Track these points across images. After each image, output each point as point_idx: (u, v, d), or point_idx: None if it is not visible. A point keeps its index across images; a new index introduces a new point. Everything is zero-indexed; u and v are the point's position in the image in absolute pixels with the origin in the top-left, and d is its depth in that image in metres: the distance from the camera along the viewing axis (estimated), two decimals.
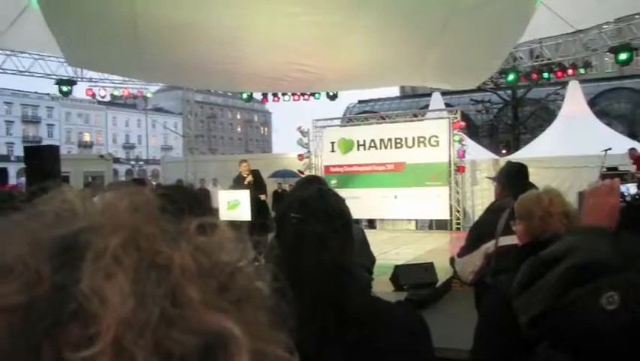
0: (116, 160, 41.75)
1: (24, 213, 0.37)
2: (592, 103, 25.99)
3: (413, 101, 36.04)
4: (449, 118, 14.38)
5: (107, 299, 0.32)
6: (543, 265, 1.35)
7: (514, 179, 3.20)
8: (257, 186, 10.00)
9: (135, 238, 0.34)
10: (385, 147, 14.90)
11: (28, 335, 0.31)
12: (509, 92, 27.51)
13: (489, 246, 2.83)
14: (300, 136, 16.00)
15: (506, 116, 31.00)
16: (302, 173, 15.62)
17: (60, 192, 0.39)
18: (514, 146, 25.81)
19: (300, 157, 16.11)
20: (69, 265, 0.33)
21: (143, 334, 0.31)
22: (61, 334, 0.31)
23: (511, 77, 14.15)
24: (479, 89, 24.64)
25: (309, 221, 1.17)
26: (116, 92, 16.09)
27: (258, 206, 9.53)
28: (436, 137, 14.27)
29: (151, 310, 0.32)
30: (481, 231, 3.00)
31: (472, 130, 31.11)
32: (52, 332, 0.31)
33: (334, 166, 15.50)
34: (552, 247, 1.40)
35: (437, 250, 9.91)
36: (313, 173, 15.10)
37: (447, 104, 19.99)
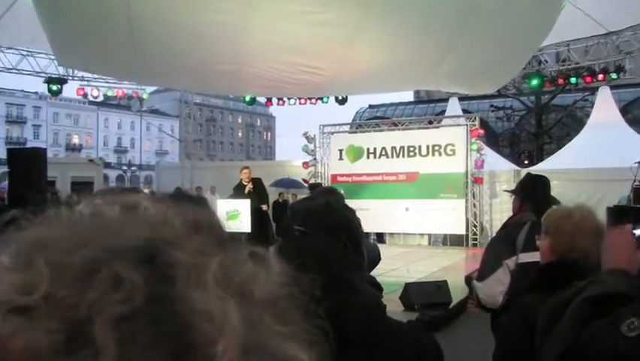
0: (107, 165, 41.94)
1: (86, 211, 0.39)
2: (624, 110, 25.74)
3: (428, 107, 36.22)
4: (467, 125, 14.51)
5: (228, 322, 0.33)
6: (561, 305, 1.37)
7: (534, 192, 3.20)
8: (258, 195, 10.04)
9: (224, 263, 0.37)
10: (397, 156, 15.08)
11: (135, 349, 0.31)
12: (533, 98, 27.40)
13: (509, 262, 2.82)
14: (305, 142, 16.14)
15: (529, 124, 30.89)
16: (307, 182, 15.72)
17: (117, 193, 0.41)
18: (538, 156, 25.88)
19: (306, 165, 16.21)
20: (160, 277, 0.34)
21: (249, 359, 0.33)
22: (168, 352, 0.32)
23: (535, 81, 14.14)
24: (500, 95, 24.77)
25: (313, 234, 1.19)
26: (109, 93, 16.22)
27: (259, 217, 9.55)
28: (453, 145, 14.39)
29: (257, 335, 0.34)
30: (499, 248, 2.99)
31: (492, 139, 31.02)
32: (157, 348, 0.32)
33: (342, 175, 15.68)
34: (566, 292, 1.42)
35: (452, 268, 9.95)
36: (319, 182, 15.34)
37: (464, 111, 20.12)
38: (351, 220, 1.31)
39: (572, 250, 1.97)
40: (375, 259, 2.70)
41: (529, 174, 3.49)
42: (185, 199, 1.31)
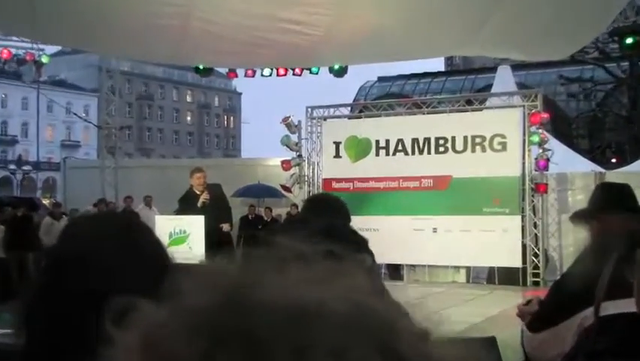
0: None
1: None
2: None
3: (466, 80, 36.61)
4: (524, 107, 14.62)
5: None
6: None
7: (617, 206, 3.28)
8: (217, 209, 10.20)
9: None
10: (421, 152, 15.16)
11: None
12: (625, 64, 27.43)
13: (586, 315, 2.87)
14: (286, 132, 16.25)
15: (618, 103, 30.95)
16: (288, 190, 16.00)
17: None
18: (632, 152, 25.47)
19: (286, 165, 16.29)
20: None
21: None
22: None
23: (629, 40, 14.31)
24: (574, 61, 24.93)
25: None
26: None
27: (217, 241, 9.69)
28: (502, 136, 14.50)
29: None
30: (571, 290, 3.03)
31: (562, 126, 31.11)
32: None
33: (339, 180, 15.80)
34: None
35: (502, 318, 10.17)
36: (306, 189, 15.70)
37: (520, 85, 20.22)
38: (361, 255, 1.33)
39: None
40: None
41: (604, 185, 3.55)
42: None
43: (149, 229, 1.33)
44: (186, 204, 10.24)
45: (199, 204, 10.00)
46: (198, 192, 10.15)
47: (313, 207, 3.61)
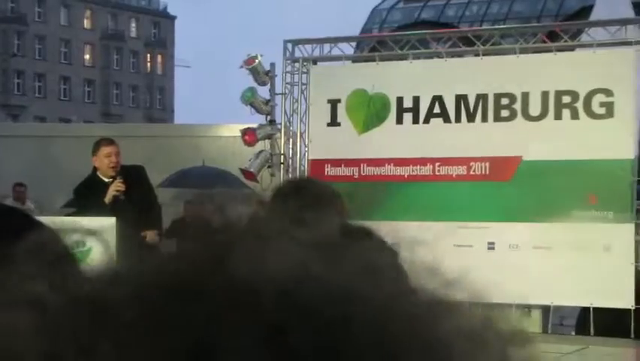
0: None
1: None
2: None
3: (546, 2, 32.28)
4: None
5: None
6: None
7: None
8: (137, 207, 8.65)
9: None
10: (471, 119, 12.64)
11: None
12: None
13: None
14: (251, 83, 13.68)
15: None
16: (251, 176, 13.55)
17: None
18: None
19: (250, 137, 13.70)
20: None
21: None
22: None
23: None
24: None
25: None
26: None
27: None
28: (607, 93, 11.99)
29: None
30: None
31: None
32: None
33: (336, 162, 13.24)
34: None
35: None
36: (282, 176, 13.24)
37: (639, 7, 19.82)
38: (384, 280, 0.82)
39: None
40: None
41: None
42: None
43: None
44: (86, 199, 8.65)
45: (107, 198, 8.42)
46: (106, 180, 8.55)
47: (286, 200, 3.13)
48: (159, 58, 75.60)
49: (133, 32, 73.44)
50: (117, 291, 0.51)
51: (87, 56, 71.91)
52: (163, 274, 0.54)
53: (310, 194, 3.00)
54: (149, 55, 75.04)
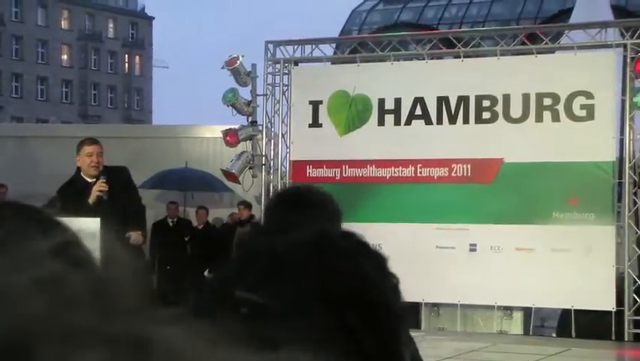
0: None
1: None
2: None
3: (527, 1, 31.68)
4: (624, 47, 12.47)
5: None
6: None
7: None
8: (121, 208, 8.69)
9: None
10: (452, 120, 12.78)
11: None
12: None
13: None
14: (232, 84, 13.64)
15: None
16: (233, 177, 13.53)
17: None
18: None
19: (232, 138, 13.69)
20: None
21: None
22: None
23: None
24: None
25: (273, 313, 1.12)
26: None
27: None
28: (588, 95, 12.15)
29: None
30: None
31: None
32: None
33: (318, 164, 13.26)
34: None
35: None
36: (264, 178, 13.29)
37: (619, 11, 17.88)
38: (371, 282, 1.18)
39: None
40: None
41: None
42: None
43: None
44: (69, 200, 8.59)
45: (91, 199, 8.39)
46: (89, 180, 8.55)
47: (289, 207, 3.03)
48: (137, 58, 75.80)
49: (111, 33, 73.74)
50: None
51: (64, 57, 72.02)
52: None
53: (313, 205, 2.88)
54: (126, 55, 75.27)
